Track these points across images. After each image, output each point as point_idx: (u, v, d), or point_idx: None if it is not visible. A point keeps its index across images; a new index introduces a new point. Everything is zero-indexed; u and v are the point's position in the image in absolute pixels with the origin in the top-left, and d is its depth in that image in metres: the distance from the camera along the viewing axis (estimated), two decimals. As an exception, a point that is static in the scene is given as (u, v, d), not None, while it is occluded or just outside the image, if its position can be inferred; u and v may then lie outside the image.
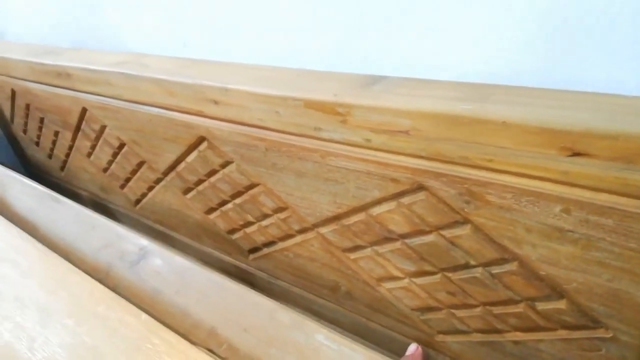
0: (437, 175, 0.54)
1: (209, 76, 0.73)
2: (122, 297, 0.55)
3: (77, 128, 1.10)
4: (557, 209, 0.47)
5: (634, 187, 0.43)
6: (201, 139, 0.80)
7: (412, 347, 0.43)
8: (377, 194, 0.62)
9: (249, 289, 0.54)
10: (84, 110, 1.02)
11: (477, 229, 0.54)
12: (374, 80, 0.60)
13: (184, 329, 0.50)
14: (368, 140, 0.58)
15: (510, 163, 0.48)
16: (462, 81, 0.55)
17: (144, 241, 0.66)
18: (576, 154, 0.44)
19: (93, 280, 0.54)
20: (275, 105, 0.64)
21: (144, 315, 0.48)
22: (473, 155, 0.50)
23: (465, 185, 0.52)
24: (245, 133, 0.71)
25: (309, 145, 0.64)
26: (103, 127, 1.01)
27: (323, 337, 0.46)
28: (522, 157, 0.47)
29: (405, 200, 0.60)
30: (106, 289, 0.51)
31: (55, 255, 0.56)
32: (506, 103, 0.48)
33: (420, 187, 0.57)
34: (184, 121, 0.79)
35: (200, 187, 0.89)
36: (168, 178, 0.95)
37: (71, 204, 0.82)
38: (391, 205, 0.61)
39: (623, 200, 0.44)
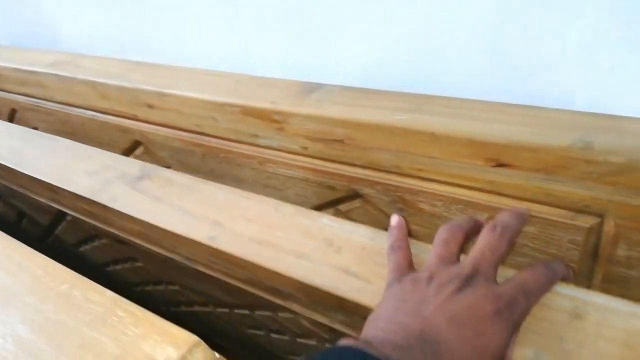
0: (372, 184, 0.54)
1: (145, 79, 0.71)
2: (119, 211, 0.55)
3: (6, 130, 1.04)
4: (485, 216, 0.49)
5: (554, 197, 0.44)
6: (137, 144, 0.78)
7: (394, 219, 0.41)
8: (315, 201, 0.62)
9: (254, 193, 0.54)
10: (13, 112, 0.97)
11: (411, 235, 0.55)
12: (312, 88, 0.60)
13: (185, 226, 0.50)
14: (305, 148, 0.58)
15: (440, 172, 0.49)
16: (399, 91, 0.56)
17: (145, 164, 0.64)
18: (501, 165, 0.45)
19: (55, 262, 0.51)
20: (212, 111, 0.63)
21: (109, 292, 0.46)
22: (405, 165, 0.51)
23: (398, 193, 0.53)
24: (182, 138, 0.69)
25: (247, 151, 0.63)
26: (34, 129, 0.96)
27: (327, 219, 0.47)
28: (451, 167, 0.48)
29: (342, 207, 0.60)
30: (69, 270, 0.49)
31: (13, 240, 0.53)
32: (438, 114, 0.49)
33: (356, 195, 0.57)
34: (118, 125, 0.77)
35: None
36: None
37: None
38: (329, 212, 0.61)
39: (545, 208, 0.46)
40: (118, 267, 0.84)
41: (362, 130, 0.51)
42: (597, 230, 0.44)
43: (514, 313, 0.32)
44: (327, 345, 0.54)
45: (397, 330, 0.31)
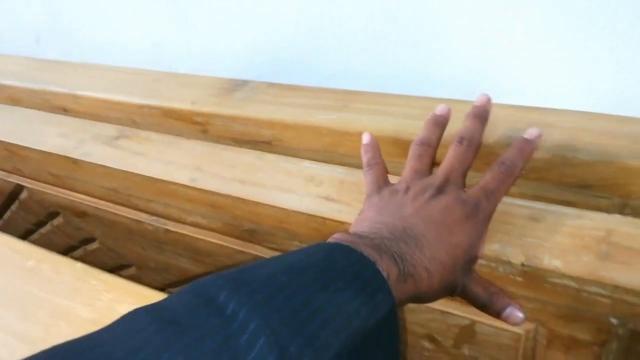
0: None
1: (58, 81, 0.67)
2: (95, 164, 0.54)
3: None
4: None
5: None
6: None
7: (366, 137, 0.43)
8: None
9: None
10: None
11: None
12: (235, 86, 0.57)
13: (166, 172, 0.50)
14: None
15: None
16: (325, 87, 0.54)
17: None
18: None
19: (18, 240, 0.50)
20: (131, 114, 0.60)
21: (79, 264, 0.46)
22: (336, 164, 0.49)
23: None
24: None
25: None
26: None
27: (308, 163, 0.48)
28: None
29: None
30: (33, 246, 0.48)
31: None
32: (363, 112, 0.48)
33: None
34: None
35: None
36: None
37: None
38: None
39: None
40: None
41: (289, 131, 0.50)
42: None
43: (480, 214, 0.36)
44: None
45: (381, 228, 0.34)
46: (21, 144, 0.62)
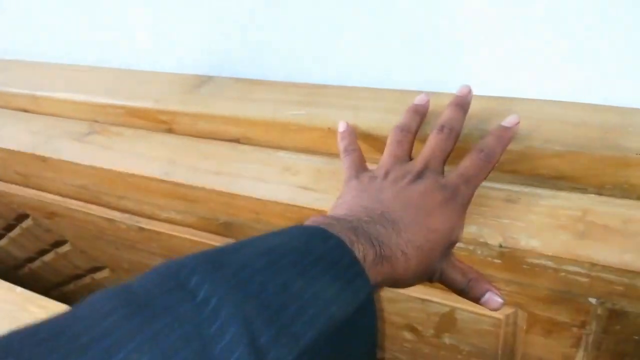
0: None
1: (15, 81, 0.65)
2: (65, 161, 0.53)
3: None
4: None
5: None
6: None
7: (342, 125, 0.44)
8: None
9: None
10: None
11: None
12: (201, 82, 0.55)
13: (139, 166, 0.50)
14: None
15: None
16: (293, 82, 0.53)
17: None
18: None
19: None
20: (93, 114, 0.58)
21: (19, 289, 0.44)
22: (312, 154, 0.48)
23: None
24: None
25: None
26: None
27: (284, 153, 0.48)
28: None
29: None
30: None
31: None
32: (334, 106, 0.47)
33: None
34: None
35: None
36: None
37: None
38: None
39: None
40: (36, 264, 0.78)
41: (257, 128, 0.49)
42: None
43: (458, 198, 0.36)
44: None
45: (359, 211, 0.34)
46: (-14, 141, 0.60)
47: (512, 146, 0.38)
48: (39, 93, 0.62)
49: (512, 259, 0.35)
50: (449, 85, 0.45)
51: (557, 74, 0.43)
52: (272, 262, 0.27)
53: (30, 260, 0.78)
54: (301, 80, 0.53)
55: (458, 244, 0.37)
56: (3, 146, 0.58)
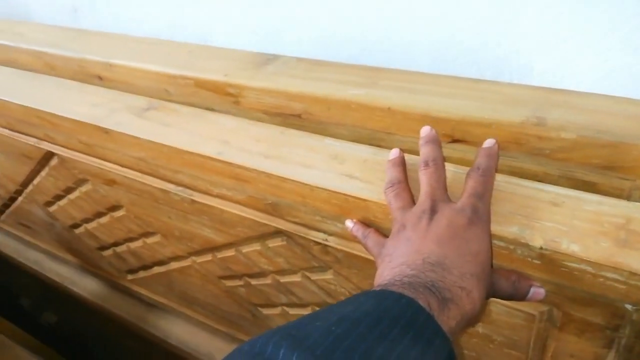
0: None
1: (93, 49, 0.68)
2: (125, 134, 0.57)
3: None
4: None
5: (508, 172, 0.44)
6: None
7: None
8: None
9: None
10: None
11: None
12: (267, 60, 0.58)
13: (194, 144, 0.53)
14: (262, 122, 0.56)
15: (398, 147, 0.46)
16: (355, 64, 0.55)
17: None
18: (455, 141, 0.45)
19: None
20: (164, 84, 0.61)
21: None
22: (363, 139, 0.50)
23: None
24: None
25: None
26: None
27: (331, 140, 0.50)
28: (408, 143, 0.47)
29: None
30: None
31: None
32: (393, 89, 0.48)
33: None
34: None
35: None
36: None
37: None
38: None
39: None
40: (92, 225, 0.84)
41: (319, 105, 0.51)
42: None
43: (480, 215, 0.37)
44: (312, 278, 0.57)
45: (402, 268, 0.34)
46: (54, 112, 0.64)
47: (565, 135, 0.40)
48: (113, 61, 0.65)
49: (551, 261, 0.36)
50: (510, 76, 0.48)
51: (614, 68, 0.44)
52: (350, 328, 0.27)
53: (87, 220, 0.84)
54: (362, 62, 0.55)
55: (499, 243, 0.38)
56: (70, 116, 0.62)
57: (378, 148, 0.48)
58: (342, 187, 0.44)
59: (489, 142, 0.41)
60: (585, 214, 0.37)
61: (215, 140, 0.53)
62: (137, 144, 0.57)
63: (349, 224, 0.45)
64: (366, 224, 0.45)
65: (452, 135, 0.45)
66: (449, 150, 0.46)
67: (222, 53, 0.62)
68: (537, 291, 0.36)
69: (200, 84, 0.58)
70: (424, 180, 0.40)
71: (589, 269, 0.35)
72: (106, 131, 0.59)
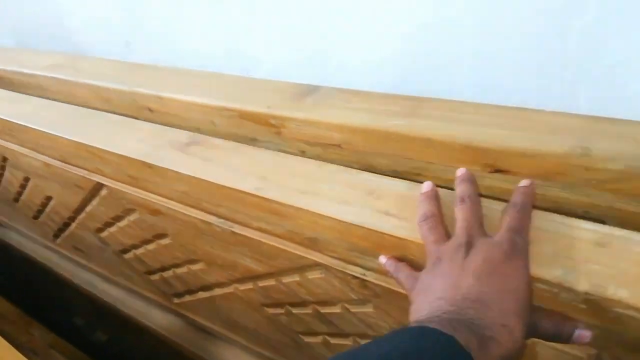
0: None
1: (143, 83, 0.72)
2: (168, 169, 0.59)
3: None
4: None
5: (554, 203, 0.44)
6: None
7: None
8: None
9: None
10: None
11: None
12: (308, 91, 0.59)
13: (233, 180, 0.54)
14: (303, 152, 0.58)
15: (438, 178, 0.48)
16: (394, 93, 0.55)
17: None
18: (498, 171, 0.44)
19: None
20: (210, 115, 0.64)
21: None
22: (403, 169, 0.51)
23: None
24: None
25: None
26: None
27: (367, 175, 0.50)
28: (449, 172, 0.46)
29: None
30: None
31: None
32: (433, 118, 0.48)
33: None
34: None
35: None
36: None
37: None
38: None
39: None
40: (140, 250, 0.87)
41: (358, 135, 0.51)
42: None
43: (518, 250, 0.36)
44: (352, 310, 0.57)
45: (441, 304, 0.34)
46: (103, 147, 0.67)
47: (612, 165, 0.39)
48: (163, 94, 0.68)
49: (598, 306, 0.35)
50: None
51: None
52: None
53: (135, 246, 0.87)
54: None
55: (542, 286, 0.37)
56: (116, 151, 0.65)
57: (415, 183, 0.48)
58: (378, 225, 0.44)
59: (525, 182, 0.40)
60: (634, 256, 0.36)
61: (253, 176, 0.54)
62: (179, 178, 0.59)
63: (382, 259, 0.45)
64: (400, 259, 0.44)
65: (494, 165, 0.44)
66: (491, 180, 0.45)
67: (265, 85, 0.65)
68: (583, 334, 0.34)
69: (244, 116, 0.60)
70: (460, 216, 0.39)
71: (639, 315, 0.33)
72: (150, 166, 0.61)
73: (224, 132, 0.64)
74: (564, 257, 0.37)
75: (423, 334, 0.30)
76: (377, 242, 0.45)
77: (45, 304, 1.39)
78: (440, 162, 0.48)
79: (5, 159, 0.97)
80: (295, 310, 0.66)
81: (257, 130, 0.60)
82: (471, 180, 0.42)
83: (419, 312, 0.35)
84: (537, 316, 0.35)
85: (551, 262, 0.37)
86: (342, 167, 0.52)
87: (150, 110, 0.71)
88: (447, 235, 0.40)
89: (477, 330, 0.30)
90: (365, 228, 0.45)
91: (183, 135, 0.65)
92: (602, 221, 0.42)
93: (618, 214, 0.41)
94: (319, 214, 0.47)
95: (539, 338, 0.36)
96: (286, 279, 0.61)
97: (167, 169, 0.60)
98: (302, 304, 0.64)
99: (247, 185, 0.53)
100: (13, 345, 1.18)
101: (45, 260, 1.27)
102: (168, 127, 0.68)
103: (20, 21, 1.13)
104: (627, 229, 0.39)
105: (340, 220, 0.46)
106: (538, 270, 0.36)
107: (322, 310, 0.61)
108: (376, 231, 0.44)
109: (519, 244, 0.36)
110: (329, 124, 0.53)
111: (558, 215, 0.41)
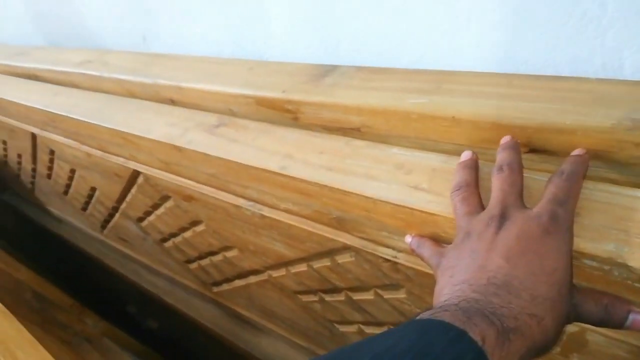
0: None
1: (164, 74, 0.71)
2: (195, 151, 0.58)
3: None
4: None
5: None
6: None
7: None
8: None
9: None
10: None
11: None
12: (325, 72, 0.56)
13: (258, 159, 0.53)
14: None
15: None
16: (414, 68, 0.52)
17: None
18: (533, 151, 0.39)
19: None
20: (228, 103, 0.62)
21: None
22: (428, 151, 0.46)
23: None
24: None
25: None
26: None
27: (397, 149, 0.47)
28: (478, 154, 0.41)
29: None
30: None
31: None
32: (457, 94, 0.44)
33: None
34: None
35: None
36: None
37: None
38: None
39: None
40: (178, 239, 0.87)
41: (378, 117, 0.47)
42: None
43: (560, 224, 0.31)
44: (384, 296, 0.54)
45: (463, 288, 0.30)
46: (134, 132, 0.67)
47: None
48: (183, 84, 0.67)
49: (658, 285, 0.30)
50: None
51: None
52: None
53: (173, 235, 0.87)
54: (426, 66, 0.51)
55: (590, 263, 0.32)
56: (149, 137, 0.65)
57: (448, 155, 0.44)
58: (407, 200, 0.41)
59: (578, 151, 0.36)
60: (700, 229, 0.31)
61: (279, 155, 0.52)
62: (207, 160, 0.58)
63: (407, 238, 0.41)
64: (429, 237, 0.41)
65: (530, 144, 0.39)
66: (527, 161, 0.39)
67: (281, 67, 0.62)
68: (637, 318, 0.30)
69: (260, 102, 0.58)
70: (496, 185, 0.35)
71: None
72: (179, 149, 0.61)
73: (243, 118, 0.62)
74: (616, 230, 0.32)
75: (429, 327, 0.27)
76: (406, 219, 0.41)
77: (98, 293, 1.44)
78: (468, 144, 0.43)
79: (52, 152, 1.01)
80: (328, 298, 0.64)
81: (274, 116, 0.57)
82: (514, 147, 0.37)
83: (441, 294, 0.31)
84: (580, 299, 0.31)
85: (602, 235, 0.32)
86: (371, 143, 0.49)
87: (172, 101, 0.71)
88: (482, 207, 0.36)
89: (497, 322, 0.27)
90: (392, 204, 0.41)
91: (212, 118, 0.63)
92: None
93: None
94: (344, 191, 0.45)
95: (583, 322, 0.31)
96: (317, 264, 0.59)
97: (194, 151, 0.59)
98: (335, 290, 0.61)
99: (272, 164, 0.51)
100: (68, 334, 1.23)
101: (95, 251, 1.31)
102: (198, 111, 0.67)
103: (48, 22, 1.17)
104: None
105: (366, 197, 0.43)
106: (585, 244, 0.32)
107: (354, 297, 0.59)
108: (404, 207, 0.41)
109: (561, 217, 0.31)
110: (346, 107, 0.50)
111: (612, 185, 0.36)
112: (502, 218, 0.33)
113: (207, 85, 0.64)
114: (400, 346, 0.25)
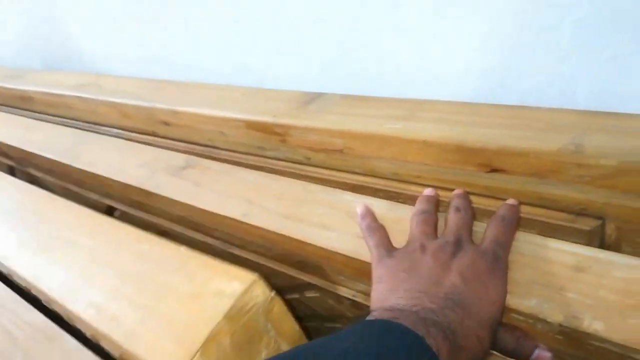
0: (374, 191, 0.54)
1: (160, 98, 0.75)
2: (163, 196, 0.60)
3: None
4: (485, 220, 0.43)
5: (551, 201, 0.43)
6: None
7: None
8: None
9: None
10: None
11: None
12: (311, 99, 0.61)
13: (221, 205, 0.55)
14: (308, 158, 0.59)
15: (437, 179, 0.48)
16: (391, 97, 0.56)
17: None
18: (494, 170, 0.44)
19: (132, 227, 0.57)
20: (220, 126, 0.66)
21: (182, 248, 0.51)
22: (403, 172, 0.51)
23: (400, 200, 0.51)
24: (196, 152, 0.71)
25: (255, 162, 0.64)
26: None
27: (349, 195, 0.50)
28: (446, 174, 0.47)
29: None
30: (150, 234, 0.54)
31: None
32: (428, 120, 0.49)
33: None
34: (139, 141, 0.79)
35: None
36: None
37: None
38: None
39: (544, 212, 0.44)
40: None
41: (358, 140, 0.52)
42: (599, 232, 0.42)
43: (500, 263, 0.36)
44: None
45: (421, 297, 0.33)
46: (107, 175, 0.69)
47: (605, 161, 0.38)
48: (178, 108, 0.70)
49: (574, 338, 0.33)
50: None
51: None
52: None
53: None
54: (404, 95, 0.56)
55: (517, 316, 0.35)
56: (119, 179, 0.67)
57: (395, 203, 0.47)
58: (359, 253, 0.43)
59: (512, 201, 0.41)
60: (614, 282, 0.34)
61: (241, 199, 0.54)
62: (175, 204, 0.60)
63: (359, 209, 0.45)
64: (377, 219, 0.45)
65: (490, 165, 0.44)
66: (487, 180, 0.45)
67: (272, 94, 0.66)
68: (542, 354, 0.33)
69: (251, 126, 0.62)
70: (452, 220, 0.40)
71: (616, 349, 0.32)
72: (147, 193, 0.63)
73: (233, 142, 0.66)
74: (539, 285, 0.35)
75: (389, 330, 0.29)
76: (360, 268, 0.44)
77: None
78: (437, 164, 0.48)
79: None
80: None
81: (263, 139, 0.61)
82: (467, 198, 0.43)
83: (391, 296, 0.34)
84: (499, 329, 0.34)
85: (526, 290, 0.35)
86: (326, 188, 0.52)
87: (166, 124, 0.74)
88: (436, 233, 0.40)
89: (451, 337, 0.30)
90: (345, 255, 0.44)
91: (179, 159, 0.65)
92: (601, 217, 0.41)
93: (615, 210, 0.40)
94: (301, 241, 0.47)
95: (498, 352, 0.35)
96: (288, 296, 0.61)
97: (161, 196, 0.61)
98: (306, 317, 0.64)
99: (233, 211, 0.53)
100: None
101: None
102: (166, 150, 0.69)
103: (46, 47, 1.18)
104: (626, 225, 0.39)
105: (321, 247, 0.46)
106: (513, 300, 0.35)
107: (326, 325, 0.62)
108: (356, 259, 0.43)
109: (501, 258, 0.36)
110: (330, 130, 0.54)
111: (539, 237, 0.39)
112: (457, 246, 0.37)
113: (200, 109, 0.68)
114: (360, 346, 0.27)
